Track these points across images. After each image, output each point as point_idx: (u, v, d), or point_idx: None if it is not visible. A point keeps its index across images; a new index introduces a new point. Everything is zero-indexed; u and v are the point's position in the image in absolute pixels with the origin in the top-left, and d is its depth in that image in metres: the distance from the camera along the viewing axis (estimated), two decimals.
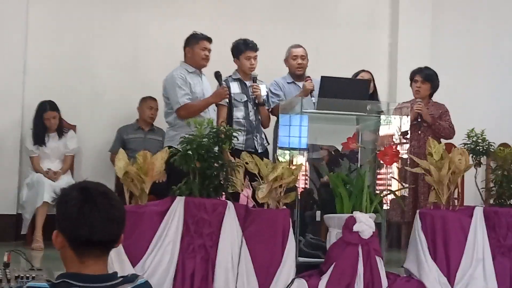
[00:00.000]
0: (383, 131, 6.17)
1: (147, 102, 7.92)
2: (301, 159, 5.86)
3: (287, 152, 5.91)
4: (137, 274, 2.58)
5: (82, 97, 8.08)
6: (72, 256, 2.45)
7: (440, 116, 7.38)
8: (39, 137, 7.55)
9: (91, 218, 2.41)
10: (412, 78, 7.48)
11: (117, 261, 4.82)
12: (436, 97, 7.65)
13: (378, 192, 5.90)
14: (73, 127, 7.87)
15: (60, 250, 2.49)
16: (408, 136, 6.43)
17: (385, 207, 5.95)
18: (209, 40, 6.83)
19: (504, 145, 8.49)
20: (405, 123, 6.30)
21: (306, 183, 6.10)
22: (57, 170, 7.51)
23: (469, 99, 9.02)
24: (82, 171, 8.02)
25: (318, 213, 7.00)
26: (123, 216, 2.50)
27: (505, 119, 9.13)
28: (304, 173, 5.90)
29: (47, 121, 7.52)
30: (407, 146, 6.28)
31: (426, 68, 7.50)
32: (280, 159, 5.89)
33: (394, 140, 6.16)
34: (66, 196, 2.48)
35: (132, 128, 7.94)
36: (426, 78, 7.42)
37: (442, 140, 7.30)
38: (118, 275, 2.51)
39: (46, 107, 7.53)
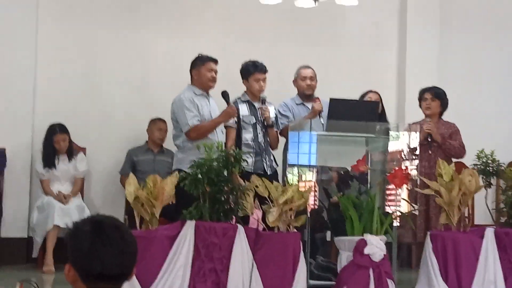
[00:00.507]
0: (392, 147, 6.17)
1: (156, 124, 7.94)
2: (310, 176, 5.87)
3: (296, 169, 5.93)
4: None
5: (91, 119, 8.08)
6: None
7: (451, 135, 7.38)
8: (49, 160, 7.56)
9: (103, 253, 2.41)
10: (421, 97, 7.49)
11: (128, 286, 4.81)
12: (445, 115, 7.66)
13: (388, 211, 5.88)
14: (83, 149, 7.87)
15: (72, 284, 2.49)
16: (417, 152, 6.43)
17: (395, 224, 5.94)
18: (215, 61, 6.84)
19: None
20: (414, 139, 6.30)
21: (315, 203, 6.10)
22: (67, 193, 7.51)
23: (478, 117, 8.99)
24: (92, 194, 8.04)
25: (328, 233, 7.01)
26: (135, 250, 2.50)
27: None
28: (313, 192, 5.91)
29: (57, 144, 7.53)
30: (416, 162, 6.27)
31: (435, 87, 7.52)
32: (289, 177, 5.90)
33: (403, 156, 6.16)
34: (78, 230, 2.48)
35: (141, 149, 7.95)
36: (436, 95, 7.44)
37: (453, 159, 7.31)
38: None
39: (56, 130, 7.55)
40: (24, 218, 7.71)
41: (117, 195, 7.87)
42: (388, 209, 5.90)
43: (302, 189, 5.62)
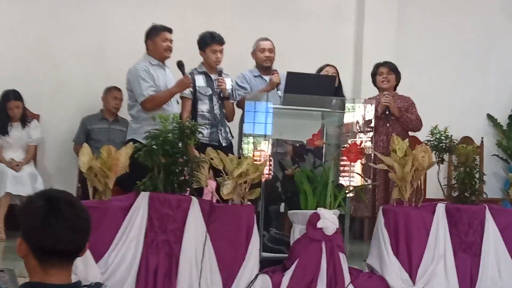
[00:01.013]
0: (348, 120, 6.19)
1: (112, 92, 7.87)
2: (265, 147, 5.87)
3: (251, 139, 5.92)
4: (101, 283, 2.58)
5: (46, 86, 8.02)
6: (36, 265, 2.43)
7: (407, 108, 7.46)
8: (2, 127, 7.47)
9: (56, 228, 2.40)
10: (375, 72, 7.56)
11: (80, 257, 4.79)
12: (401, 91, 7.72)
13: (341, 185, 5.91)
14: (37, 117, 7.79)
15: (24, 258, 2.47)
16: (372, 125, 6.47)
17: (349, 195, 5.98)
18: (169, 30, 6.79)
19: (467, 138, 8.65)
20: (369, 112, 6.33)
21: (270, 174, 6.10)
22: (20, 160, 7.43)
23: (433, 93, 9.11)
24: (46, 161, 7.99)
25: (282, 204, 7.03)
26: (88, 226, 2.49)
27: (468, 113, 9.26)
28: (268, 163, 5.90)
29: (10, 111, 7.44)
30: (371, 135, 6.31)
31: (389, 62, 7.59)
32: (245, 147, 5.90)
33: (358, 129, 6.19)
34: (31, 204, 2.46)
35: (96, 118, 7.88)
36: (392, 69, 7.52)
37: (410, 133, 7.40)
38: (82, 284, 2.51)
39: (10, 97, 7.45)
40: None
41: (71, 163, 7.82)
42: (342, 183, 5.95)
43: (257, 161, 5.63)
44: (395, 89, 7.59)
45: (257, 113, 6.03)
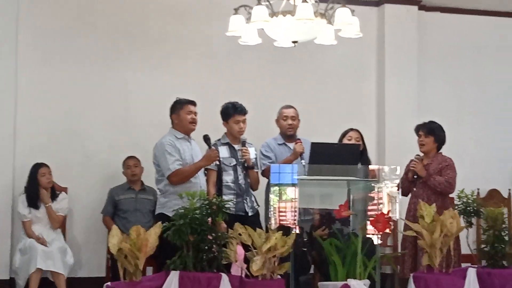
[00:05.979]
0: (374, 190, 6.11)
1: (126, 162, 7.91)
2: (291, 193, 5.86)
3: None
4: None
5: (72, 158, 8.11)
6: None
7: (441, 170, 7.22)
8: (32, 200, 7.54)
9: None
10: (416, 134, 7.42)
11: None
12: None
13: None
14: (65, 189, 7.87)
15: None
16: (398, 172, 6.37)
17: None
18: (193, 103, 6.88)
19: (494, 191, 8.63)
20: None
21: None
22: (49, 233, 7.49)
23: (457, 146, 9.00)
24: (75, 233, 8.04)
25: (312, 266, 7.01)
26: None
27: (494, 165, 9.21)
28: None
29: (42, 178, 7.50)
30: (397, 181, 6.22)
31: (430, 122, 7.41)
32: (271, 197, 5.91)
33: (383, 174, 6.14)
34: None
35: (123, 188, 7.93)
36: (429, 131, 7.32)
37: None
38: None
39: (40, 165, 7.58)
40: (5, 260, 7.70)
41: (100, 235, 7.88)
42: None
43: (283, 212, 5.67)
44: (438, 150, 7.41)
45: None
